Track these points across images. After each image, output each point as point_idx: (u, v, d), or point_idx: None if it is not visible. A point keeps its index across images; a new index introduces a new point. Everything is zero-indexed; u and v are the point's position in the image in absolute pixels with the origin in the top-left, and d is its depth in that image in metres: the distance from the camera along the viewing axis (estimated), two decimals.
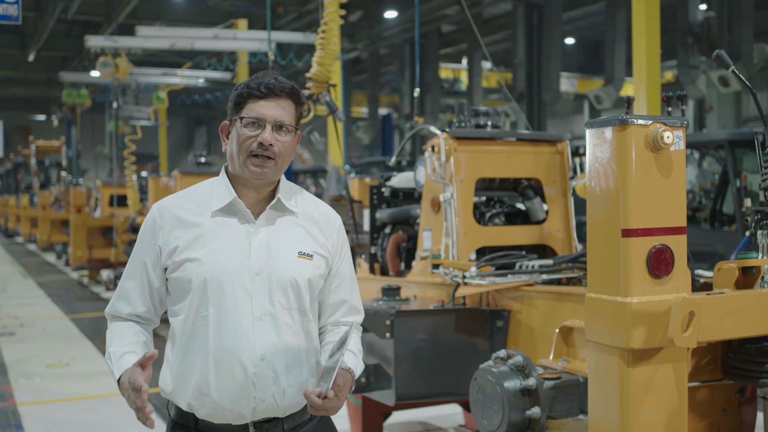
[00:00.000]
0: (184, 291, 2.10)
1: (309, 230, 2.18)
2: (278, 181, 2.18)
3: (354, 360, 2.17)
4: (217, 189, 2.16)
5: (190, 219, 2.12)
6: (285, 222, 2.17)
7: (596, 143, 2.77)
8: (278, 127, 2.10)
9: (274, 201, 2.15)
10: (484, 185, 4.73)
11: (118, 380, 2.06)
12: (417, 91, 6.64)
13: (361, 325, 2.36)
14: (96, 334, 9.31)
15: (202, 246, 2.09)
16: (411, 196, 5.14)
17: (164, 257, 2.12)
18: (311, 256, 2.16)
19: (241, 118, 2.10)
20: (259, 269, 2.09)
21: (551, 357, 3.61)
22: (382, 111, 27.64)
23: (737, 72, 3.21)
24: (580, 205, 4.02)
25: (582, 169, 4.72)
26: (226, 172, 2.19)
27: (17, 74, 31.09)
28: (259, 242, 2.11)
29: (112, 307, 2.21)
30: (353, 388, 2.14)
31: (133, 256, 2.19)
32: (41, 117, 39.86)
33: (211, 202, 2.14)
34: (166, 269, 2.13)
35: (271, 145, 2.08)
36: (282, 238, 2.14)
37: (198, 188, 2.21)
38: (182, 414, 2.13)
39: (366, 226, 5.55)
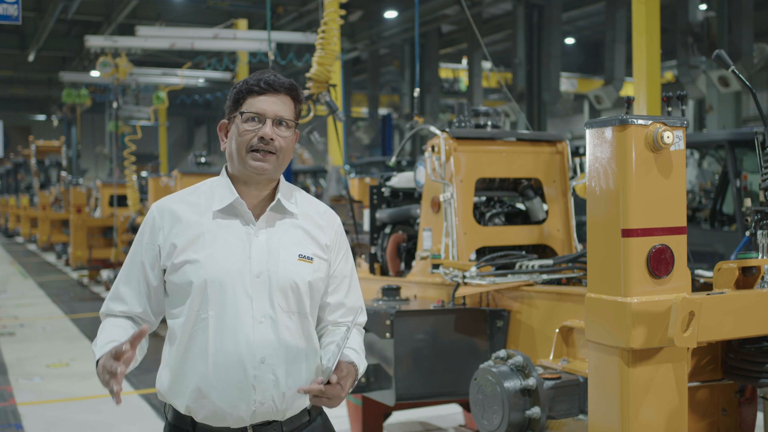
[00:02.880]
0: (183, 293, 2.09)
1: (309, 232, 2.17)
2: (278, 182, 2.17)
3: (357, 357, 2.15)
4: (218, 189, 2.15)
5: (191, 219, 2.11)
6: (285, 224, 2.15)
7: (596, 143, 2.77)
8: (278, 122, 2.10)
9: (274, 202, 2.14)
10: (484, 185, 4.73)
11: (97, 362, 2.02)
12: (417, 91, 6.64)
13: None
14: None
15: (202, 247, 2.08)
16: (411, 196, 5.14)
17: (163, 258, 2.11)
18: (311, 259, 2.15)
19: (242, 114, 2.09)
20: (260, 272, 2.08)
21: (551, 357, 3.61)
22: (382, 111, 27.66)
23: (737, 72, 3.21)
24: (580, 205, 4.02)
25: (582, 169, 4.71)
26: (227, 172, 2.18)
27: (17, 74, 31.12)
28: (259, 244, 2.10)
29: (106, 307, 2.19)
30: (356, 383, 2.12)
31: (131, 256, 2.17)
32: (41, 117, 39.87)
33: (212, 202, 2.13)
34: (164, 270, 2.12)
35: (271, 139, 2.08)
36: (282, 241, 2.13)
37: (198, 188, 2.19)
38: (180, 417, 2.11)
39: (366, 226, 5.55)
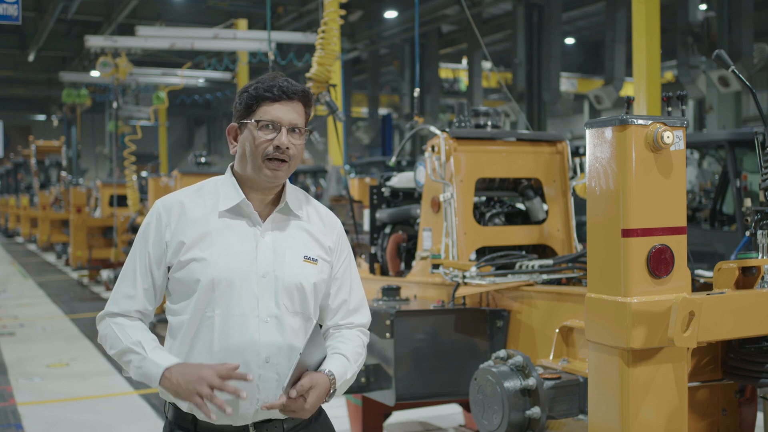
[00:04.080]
0: (188, 291, 2.08)
1: (313, 234, 2.18)
2: (284, 184, 2.17)
3: (343, 365, 2.14)
4: (224, 189, 2.15)
5: (197, 217, 2.11)
6: (291, 226, 2.16)
7: (596, 143, 2.77)
8: (292, 129, 2.10)
9: (282, 205, 2.15)
10: (484, 185, 4.73)
11: (164, 371, 2.00)
12: (417, 91, 6.63)
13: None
14: (96, 334, 9.28)
15: (209, 246, 2.08)
16: (411, 196, 5.14)
17: (170, 255, 2.10)
18: (316, 260, 2.16)
19: (257, 122, 2.09)
20: (265, 272, 2.09)
21: (551, 357, 3.61)
22: (382, 111, 27.68)
23: (737, 72, 3.21)
24: (580, 205, 4.02)
25: (582, 169, 4.71)
26: (232, 171, 2.17)
27: (17, 74, 31.13)
28: (265, 245, 2.11)
29: (117, 306, 2.14)
30: (332, 392, 2.10)
31: (136, 254, 2.14)
32: (41, 117, 39.88)
33: (218, 201, 2.13)
34: (169, 267, 2.11)
35: (287, 148, 2.08)
36: (288, 242, 2.14)
37: (204, 186, 2.18)
38: (181, 416, 2.11)
39: (366, 226, 5.55)
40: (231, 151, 2.17)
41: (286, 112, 2.09)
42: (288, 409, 2.00)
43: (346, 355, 2.17)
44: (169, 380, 2.00)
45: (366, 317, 2.31)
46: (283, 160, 2.09)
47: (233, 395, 1.96)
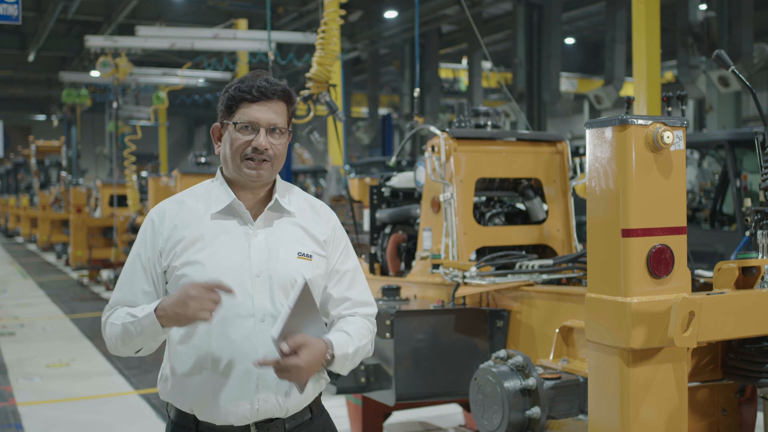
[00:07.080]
0: None
1: (307, 229, 2.18)
2: (274, 181, 2.18)
3: (343, 337, 2.10)
4: (214, 191, 2.16)
5: (190, 222, 2.12)
6: (283, 223, 2.16)
7: (596, 143, 2.77)
8: (271, 129, 2.10)
9: (272, 202, 2.15)
10: (484, 185, 4.73)
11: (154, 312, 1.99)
12: (417, 91, 6.63)
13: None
14: (96, 334, 9.29)
15: (201, 249, 2.08)
16: (411, 196, 5.14)
17: (164, 259, 2.11)
18: (310, 256, 2.15)
19: (235, 123, 2.10)
20: (260, 271, 2.09)
21: (551, 357, 3.61)
22: (382, 111, 27.67)
23: (737, 72, 3.20)
24: (580, 205, 4.02)
25: (582, 169, 4.72)
26: (222, 173, 2.18)
27: (17, 74, 31.11)
28: (258, 244, 2.11)
29: (111, 309, 2.15)
30: (330, 358, 2.05)
31: (134, 258, 2.15)
32: (41, 117, 39.88)
33: (210, 204, 2.14)
34: (165, 272, 2.12)
35: (266, 149, 2.08)
36: (281, 239, 2.14)
37: (195, 191, 2.20)
38: (183, 416, 2.12)
39: (366, 226, 5.55)
40: (216, 151, 2.19)
41: (265, 113, 2.09)
42: (282, 368, 1.93)
43: (347, 331, 2.14)
44: (166, 316, 1.99)
45: (372, 309, 2.28)
46: (263, 160, 2.08)
47: (226, 292, 1.97)
